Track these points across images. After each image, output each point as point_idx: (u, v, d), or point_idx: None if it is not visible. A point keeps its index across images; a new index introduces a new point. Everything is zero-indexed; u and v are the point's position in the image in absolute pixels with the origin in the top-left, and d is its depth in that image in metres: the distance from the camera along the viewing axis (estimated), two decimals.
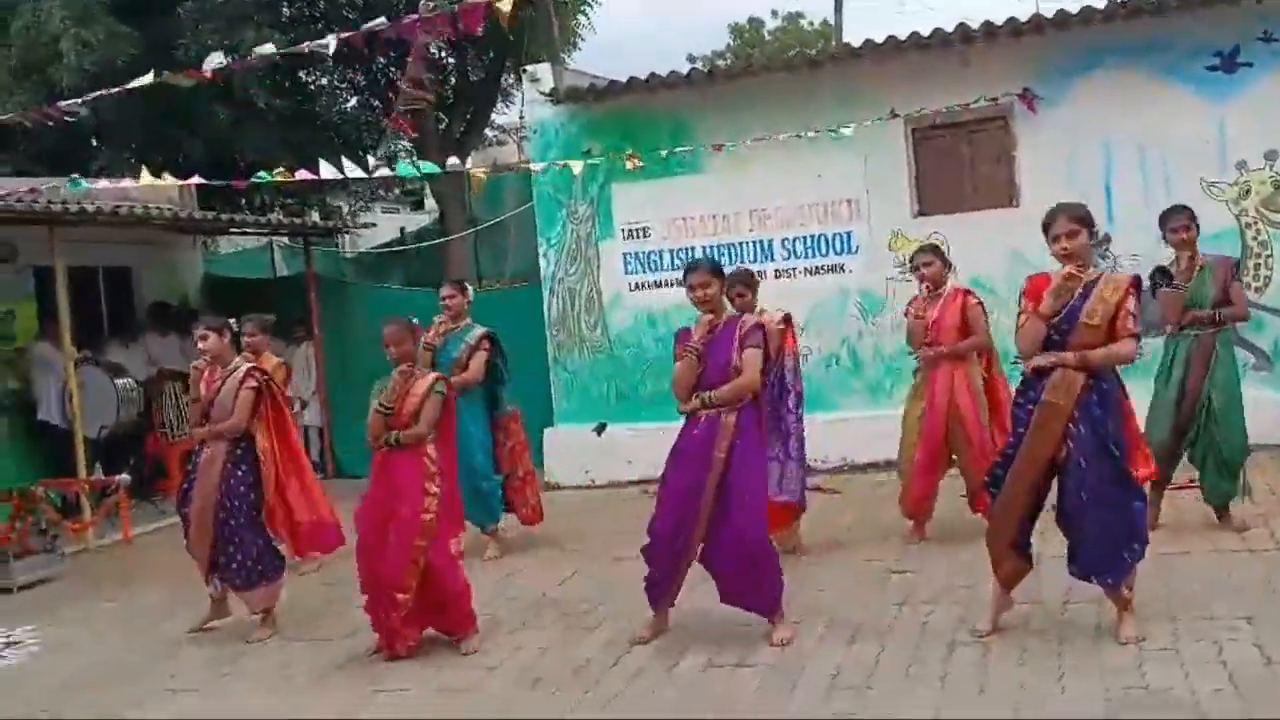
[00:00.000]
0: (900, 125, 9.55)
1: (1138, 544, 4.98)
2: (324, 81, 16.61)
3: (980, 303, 7.06)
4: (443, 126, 16.28)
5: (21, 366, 10.55)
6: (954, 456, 7.02)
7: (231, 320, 7.32)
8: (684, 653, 5.44)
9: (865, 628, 5.55)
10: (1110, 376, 5.02)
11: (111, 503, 9.36)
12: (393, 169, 12.41)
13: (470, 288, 8.21)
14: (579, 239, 10.71)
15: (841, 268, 9.92)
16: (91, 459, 9.88)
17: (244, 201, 14.92)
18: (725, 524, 5.40)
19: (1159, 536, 6.53)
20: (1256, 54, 8.77)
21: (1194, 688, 4.42)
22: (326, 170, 8.05)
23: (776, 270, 10.06)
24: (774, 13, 33.80)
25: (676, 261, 10.30)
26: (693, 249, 10.25)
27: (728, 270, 6.10)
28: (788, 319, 6.91)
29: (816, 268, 10.01)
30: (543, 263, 10.91)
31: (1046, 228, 5.03)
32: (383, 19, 6.53)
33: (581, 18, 16.43)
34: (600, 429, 10.52)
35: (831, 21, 17.56)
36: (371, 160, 8.80)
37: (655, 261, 10.42)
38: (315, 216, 14.74)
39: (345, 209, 17.77)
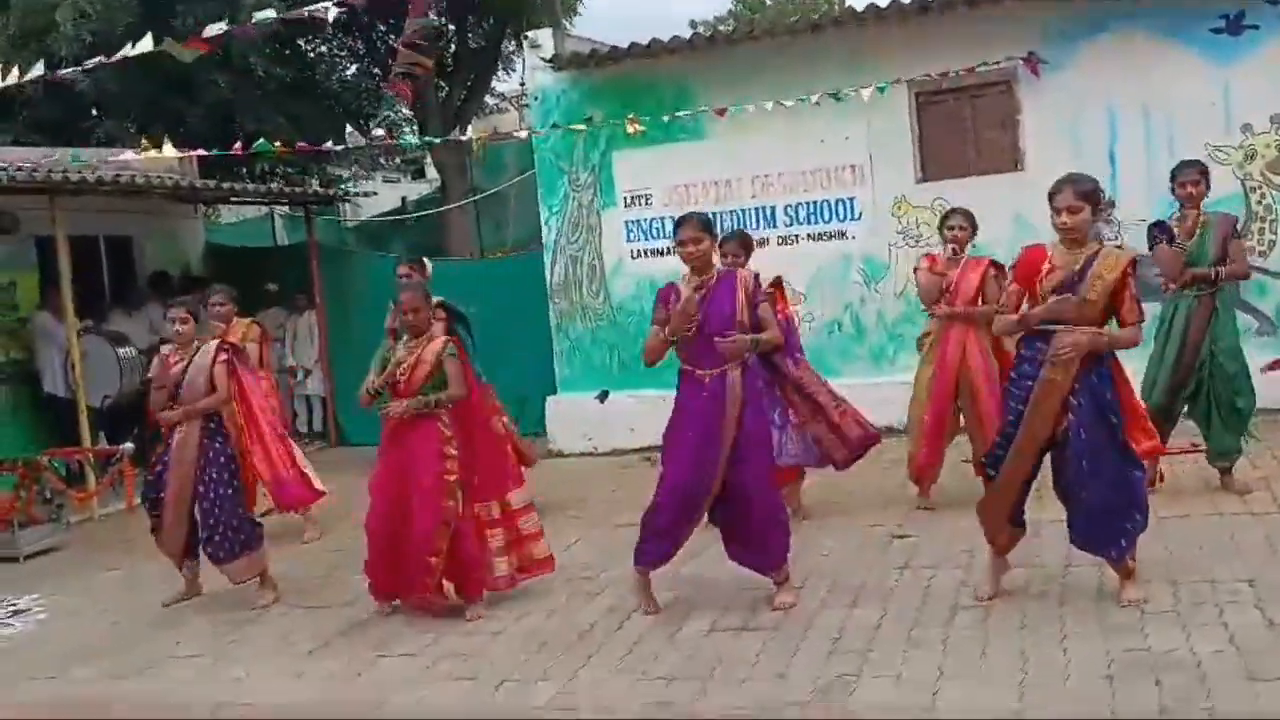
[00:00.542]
0: (904, 90, 9.48)
1: (1139, 515, 4.97)
2: (323, 50, 16.55)
3: (1000, 275, 6.79)
4: (443, 94, 16.22)
5: (24, 337, 10.56)
6: (961, 420, 7.00)
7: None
8: (687, 617, 5.46)
9: (867, 592, 5.57)
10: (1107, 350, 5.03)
11: (115, 472, 9.39)
12: (394, 137, 12.39)
13: (429, 264, 8.00)
14: (580, 207, 10.67)
15: (844, 234, 9.88)
16: (95, 428, 9.91)
17: (244, 170, 14.89)
18: (738, 482, 5.36)
19: (1159, 500, 6.56)
20: (1262, 16, 8.69)
21: (1195, 649, 4.43)
22: (328, 142, 8.03)
23: (779, 237, 10.03)
24: None
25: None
26: None
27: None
28: (778, 283, 6.80)
29: (819, 234, 9.97)
30: (544, 230, 10.88)
31: (1052, 195, 4.98)
32: None
33: None
34: (603, 396, 10.52)
35: None
36: (374, 130, 8.78)
37: (657, 229, 10.38)
38: (316, 185, 14.70)
39: (346, 177, 17.72)
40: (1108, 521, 4.93)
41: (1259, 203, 8.85)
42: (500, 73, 17.54)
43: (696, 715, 4.44)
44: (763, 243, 10.00)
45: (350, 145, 8.61)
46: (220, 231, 16.16)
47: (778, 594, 5.50)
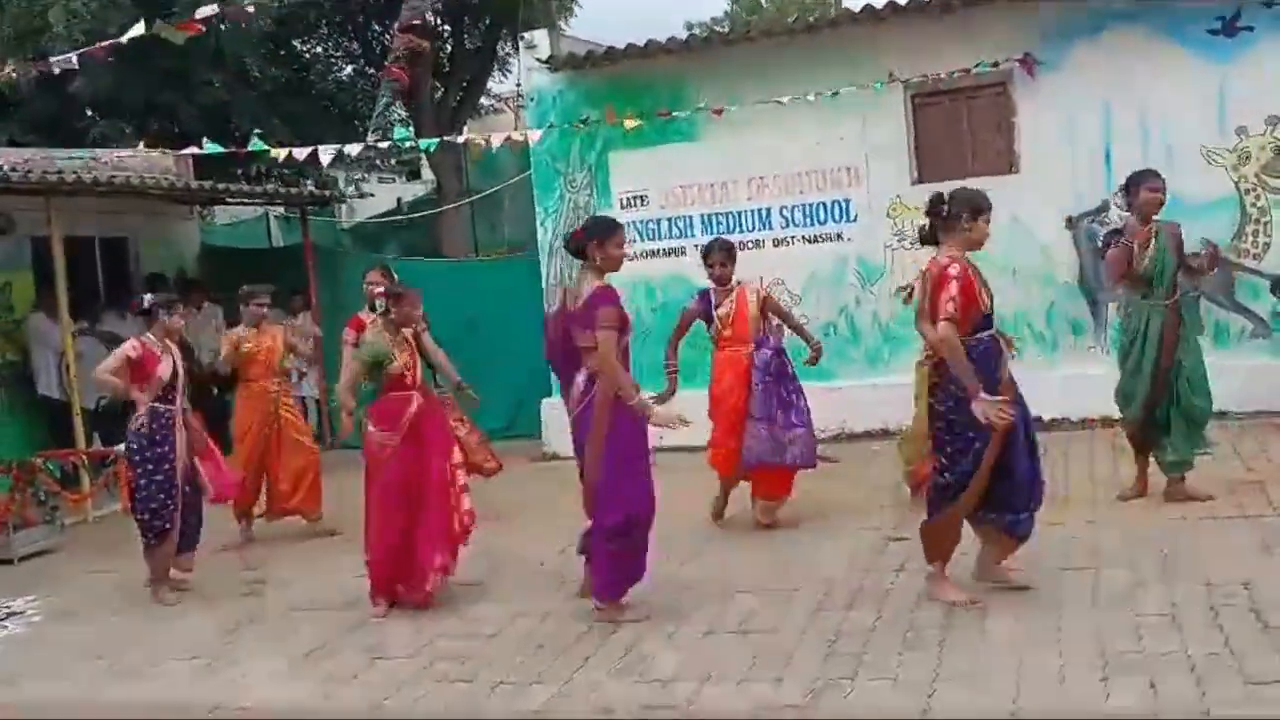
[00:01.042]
0: (899, 91, 9.49)
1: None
2: (319, 50, 16.55)
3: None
4: (439, 95, 16.22)
5: (19, 338, 10.54)
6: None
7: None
8: (683, 620, 5.46)
9: (863, 594, 5.58)
10: None
11: (110, 473, 9.35)
12: (389, 139, 12.35)
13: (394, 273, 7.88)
14: (577, 207, 10.66)
15: (840, 235, 9.89)
16: (89, 430, 9.89)
17: (240, 172, 14.88)
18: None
19: (1153, 503, 6.57)
20: (1257, 18, 8.70)
21: (1190, 652, 4.44)
22: (324, 142, 8.03)
23: (775, 238, 10.04)
24: None
25: (674, 230, 10.28)
26: (691, 217, 10.23)
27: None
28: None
29: (815, 236, 9.98)
30: (540, 231, 10.87)
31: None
32: None
33: None
34: None
35: None
36: (370, 135, 8.78)
37: (653, 230, 10.39)
38: (311, 187, 14.69)
39: (341, 179, 17.71)
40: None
41: (1253, 205, 8.85)
42: (496, 74, 17.55)
43: (693, 717, 4.44)
44: (758, 244, 10.07)
45: (345, 149, 8.59)
46: (215, 233, 16.14)
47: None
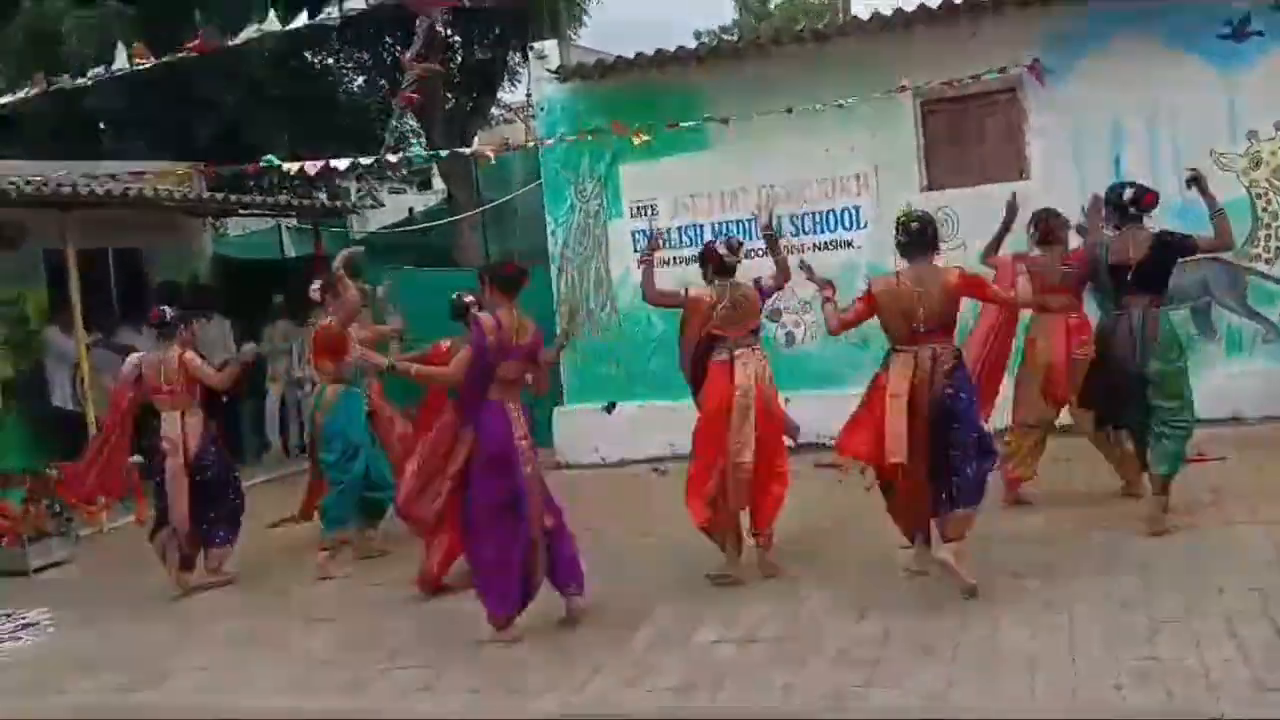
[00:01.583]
0: (908, 99, 9.49)
1: None
2: (330, 63, 16.61)
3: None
4: (449, 106, 16.27)
5: (34, 350, 10.59)
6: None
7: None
8: (696, 628, 5.46)
9: (875, 602, 5.57)
10: None
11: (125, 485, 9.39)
12: (400, 152, 12.38)
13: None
14: (587, 217, 10.68)
15: (849, 243, 9.88)
16: None
17: (253, 183, 14.94)
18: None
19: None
20: (1268, 22, 8.68)
21: (1205, 659, 4.42)
22: (336, 154, 8.06)
23: (784, 246, 9.99)
24: None
25: (685, 239, 10.28)
26: (701, 226, 10.23)
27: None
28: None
29: (825, 243, 9.97)
30: (550, 241, 10.89)
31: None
32: None
33: None
34: (610, 408, 10.52)
35: None
36: (380, 142, 8.81)
37: (664, 239, 10.38)
38: (323, 198, 14.74)
39: (353, 190, 17.77)
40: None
41: (1264, 209, 8.82)
42: (506, 84, 17.59)
43: None
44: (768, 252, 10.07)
45: (357, 160, 8.63)
46: (228, 244, 16.19)
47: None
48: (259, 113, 13.66)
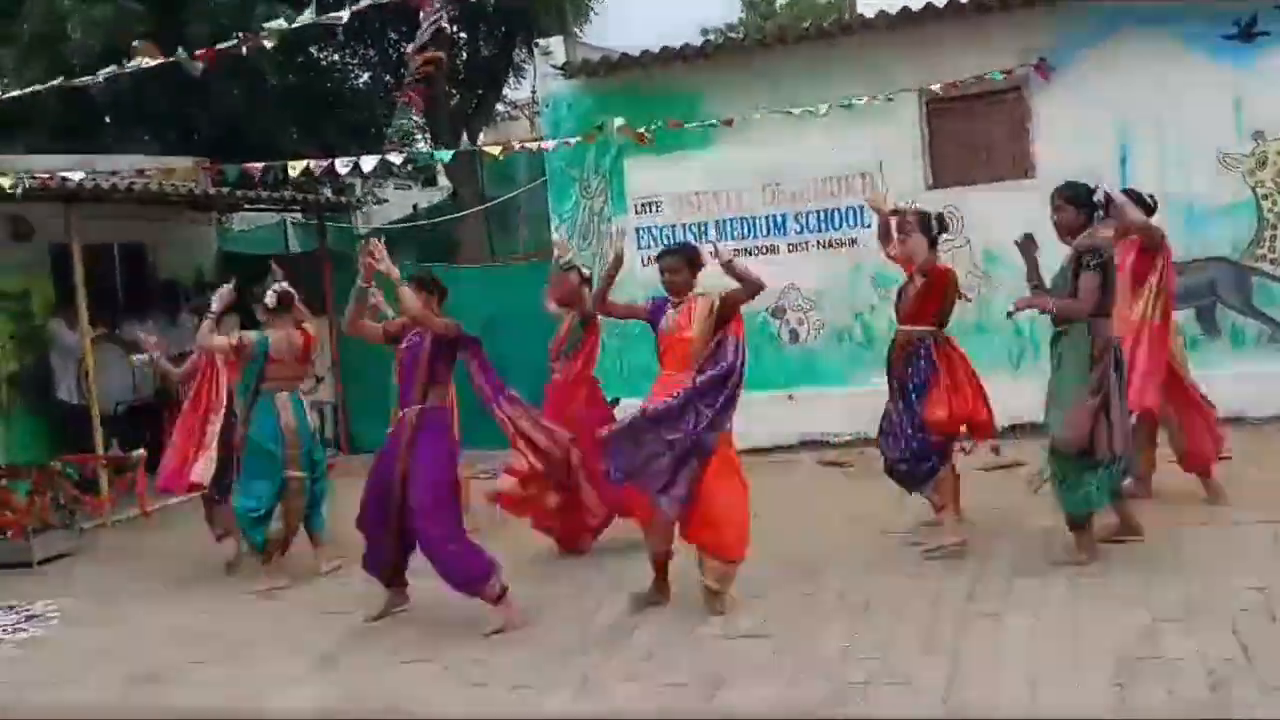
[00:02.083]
0: (914, 97, 9.49)
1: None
2: (335, 58, 16.61)
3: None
4: (454, 102, 16.28)
5: (39, 344, 10.61)
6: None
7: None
8: (700, 623, 5.47)
9: (879, 599, 5.57)
10: None
11: (129, 478, 9.42)
12: (405, 148, 12.38)
13: (274, 289, 7.72)
14: (591, 214, 10.70)
15: (854, 241, 9.88)
16: (108, 435, 9.95)
17: (257, 178, 14.95)
18: (412, 522, 5.81)
19: (1171, 508, 6.54)
20: (1274, 22, 8.68)
21: (1206, 657, 4.43)
22: (340, 150, 8.06)
23: (790, 244, 10.06)
24: None
25: (689, 236, 10.27)
26: (705, 224, 10.24)
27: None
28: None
29: (829, 241, 9.98)
30: (555, 238, 10.89)
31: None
32: None
33: None
34: (614, 404, 10.51)
35: None
36: (387, 137, 8.81)
37: (668, 236, 10.39)
38: (328, 193, 14.76)
39: (358, 185, 17.78)
40: None
41: (1271, 210, 8.83)
42: (511, 80, 17.59)
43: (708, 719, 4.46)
44: (773, 250, 10.10)
45: (361, 161, 8.64)
46: (233, 239, 16.21)
47: (490, 619, 5.74)
48: (264, 107, 13.67)
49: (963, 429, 6.39)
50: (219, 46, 6.79)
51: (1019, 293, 6.25)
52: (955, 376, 6.36)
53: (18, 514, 8.34)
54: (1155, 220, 6.55)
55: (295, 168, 8.15)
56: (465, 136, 16.26)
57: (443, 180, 19.41)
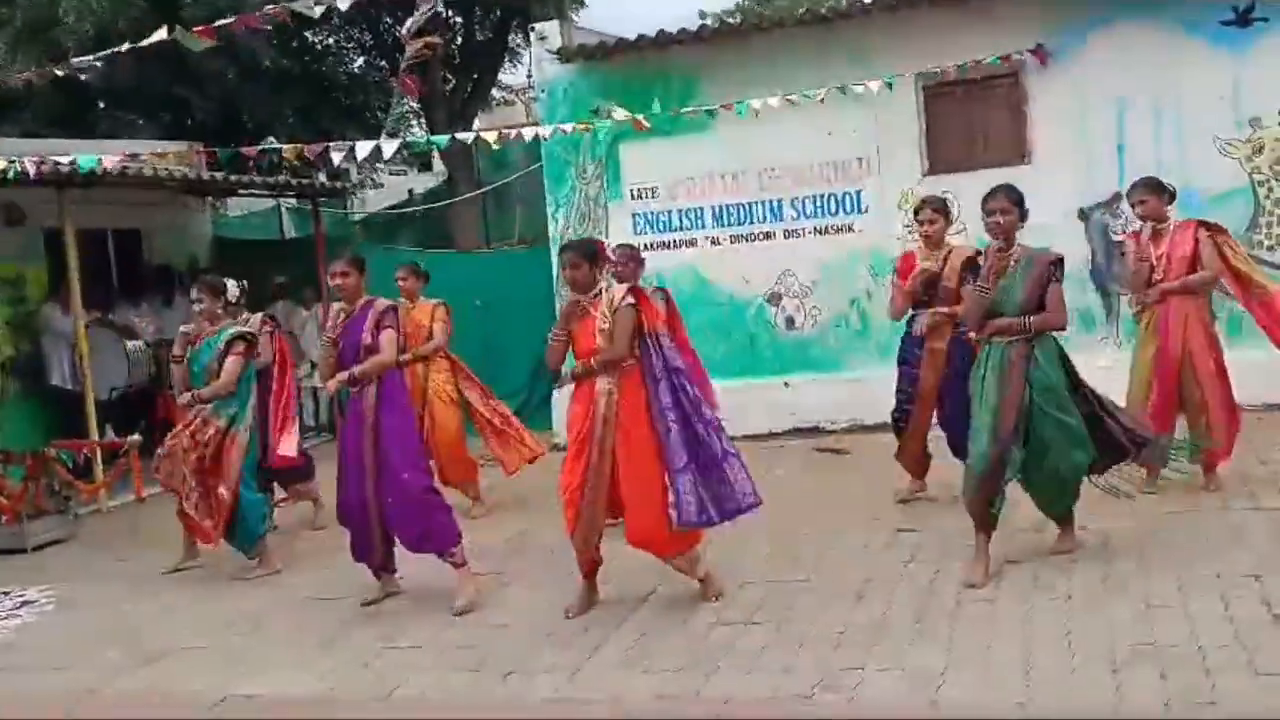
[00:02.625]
0: (911, 82, 9.46)
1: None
2: (330, 42, 16.55)
3: (1215, 234, 6.57)
4: (450, 87, 16.22)
5: (33, 329, 10.59)
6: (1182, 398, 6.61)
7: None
8: (693, 610, 5.47)
9: (872, 586, 5.57)
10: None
11: (123, 464, 9.40)
12: (400, 134, 12.33)
13: (231, 285, 7.35)
14: (587, 199, 10.66)
15: (851, 227, 9.87)
16: (102, 420, 9.93)
17: (252, 163, 14.92)
18: (387, 480, 5.89)
19: (1166, 495, 6.54)
20: (1272, 9, 8.66)
21: (1201, 643, 4.43)
22: (336, 133, 8.04)
23: (786, 230, 10.03)
24: None
25: (685, 222, 10.29)
26: (701, 209, 10.22)
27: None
28: (635, 291, 5.57)
29: (825, 227, 9.96)
30: (551, 223, 10.88)
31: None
32: None
33: None
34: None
35: None
36: (381, 123, 8.78)
37: (664, 222, 10.38)
38: (323, 178, 14.72)
39: (353, 171, 17.74)
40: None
41: (1267, 197, 8.82)
42: (507, 65, 17.53)
43: (701, 708, 4.45)
44: (769, 236, 10.08)
45: (356, 146, 8.63)
46: (227, 224, 16.18)
47: (459, 592, 5.88)
48: (258, 91, 13.62)
49: None
50: (216, 24, 6.76)
51: None
52: None
53: (12, 499, 8.32)
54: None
55: (289, 151, 8.12)
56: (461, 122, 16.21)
57: (438, 165, 19.37)
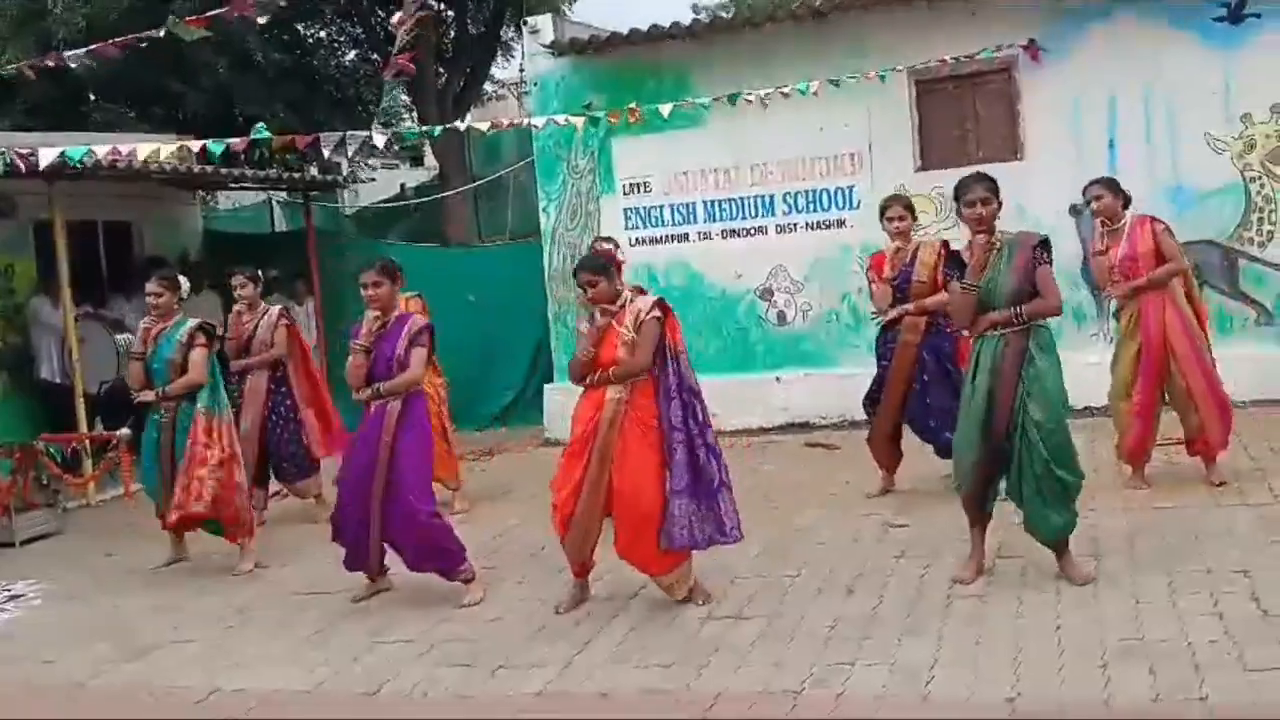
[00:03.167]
0: (904, 78, 9.46)
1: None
2: (322, 35, 16.51)
3: (1168, 228, 6.64)
4: (442, 81, 16.18)
5: (21, 322, 10.54)
6: (1166, 394, 6.64)
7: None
8: (684, 605, 5.46)
9: (863, 581, 5.58)
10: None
11: (112, 458, 9.36)
12: (393, 127, 12.30)
13: (183, 281, 7.20)
14: (579, 193, 10.64)
15: (843, 223, 9.86)
16: (91, 414, 9.90)
17: (243, 156, 14.86)
18: (395, 501, 5.81)
19: (1155, 491, 6.56)
20: (1263, 4, 8.66)
21: (1190, 639, 4.43)
22: (326, 126, 8.02)
23: (778, 225, 10.03)
24: None
25: (677, 216, 10.28)
26: (694, 203, 10.21)
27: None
28: (662, 304, 5.47)
29: (818, 222, 9.95)
30: (543, 218, 10.85)
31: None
32: None
33: None
34: None
35: None
36: (372, 116, 8.75)
37: (656, 216, 10.37)
38: (314, 171, 14.68)
39: (344, 164, 17.69)
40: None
41: (1258, 193, 8.83)
42: (500, 59, 17.50)
43: (691, 703, 4.44)
44: (761, 231, 10.08)
45: (347, 136, 8.59)
46: (218, 218, 16.12)
47: (467, 593, 5.88)
48: (250, 84, 13.58)
49: None
50: (210, 13, 6.73)
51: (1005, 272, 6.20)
52: None
53: (0, 493, 8.29)
54: (1145, 205, 6.61)
55: (279, 143, 8.09)
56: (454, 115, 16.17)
57: (430, 160, 19.34)
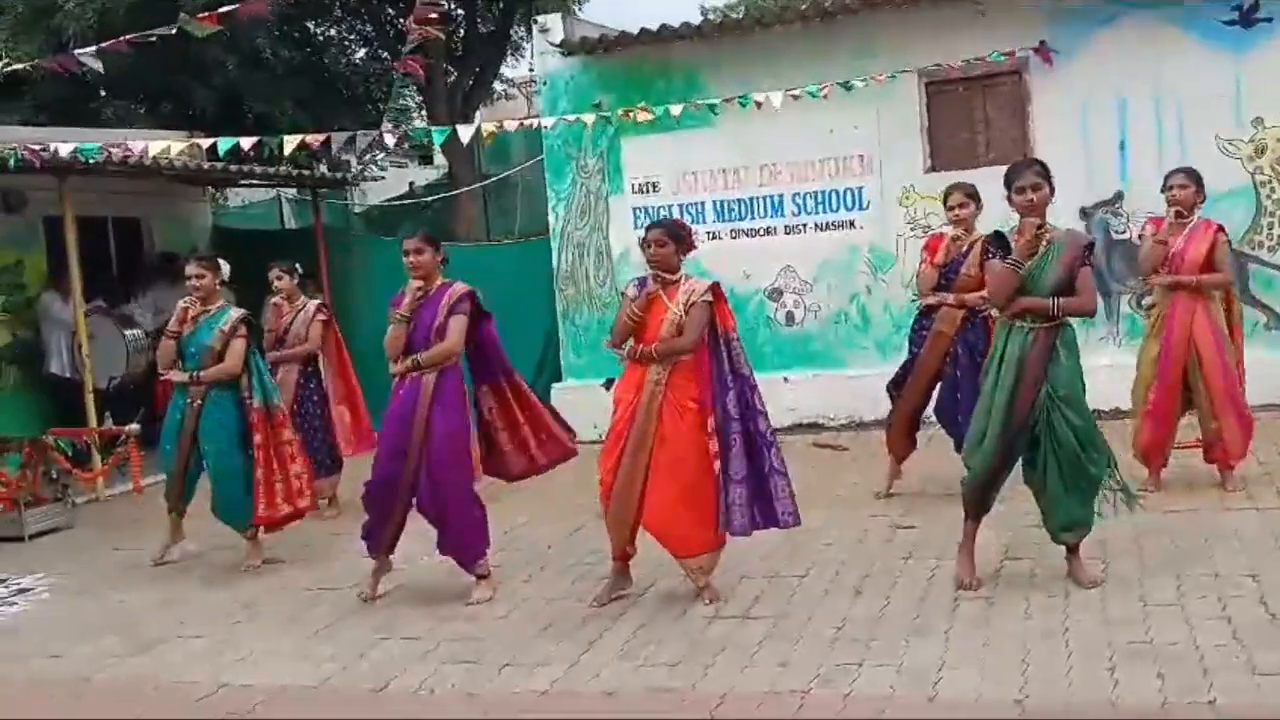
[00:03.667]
0: (913, 79, 9.45)
1: None
2: (332, 33, 16.52)
3: (1229, 240, 6.64)
4: (451, 80, 16.19)
5: (30, 317, 10.57)
6: (1190, 398, 6.62)
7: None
8: (691, 605, 5.47)
9: (870, 582, 5.58)
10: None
11: (121, 453, 9.38)
12: (400, 126, 12.31)
13: (223, 264, 7.23)
14: (588, 193, 10.65)
15: (852, 224, 9.86)
16: (101, 409, 9.92)
17: (252, 153, 14.88)
18: (429, 478, 5.77)
19: (1164, 494, 6.54)
20: (1275, 8, 8.65)
21: (1198, 642, 4.43)
22: (336, 125, 8.04)
23: (787, 226, 10.03)
24: None
25: (686, 216, 10.24)
26: (702, 204, 10.21)
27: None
28: (716, 289, 5.52)
29: (827, 223, 9.95)
30: (551, 217, 10.87)
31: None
32: None
33: None
34: (609, 384, 10.48)
35: None
36: (381, 118, 8.78)
37: (665, 216, 10.34)
38: (324, 169, 14.69)
39: (354, 162, 17.72)
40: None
41: (1269, 197, 8.81)
42: (509, 58, 17.50)
43: (697, 702, 4.44)
44: (770, 231, 10.08)
45: (357, 135, 8.61)
46: (227, 215, 16.14)
47: (474, 588, 5.87)
48: (260, 81, 13.59)
49: None
50: (221, 9, 6.76)
51: None
52: None
53: (9, 487, 8.32)
54: (1155, 209, 6.59)
55: (290, 142, 8.11)
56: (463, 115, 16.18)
57: (439, 159, 19.34)
